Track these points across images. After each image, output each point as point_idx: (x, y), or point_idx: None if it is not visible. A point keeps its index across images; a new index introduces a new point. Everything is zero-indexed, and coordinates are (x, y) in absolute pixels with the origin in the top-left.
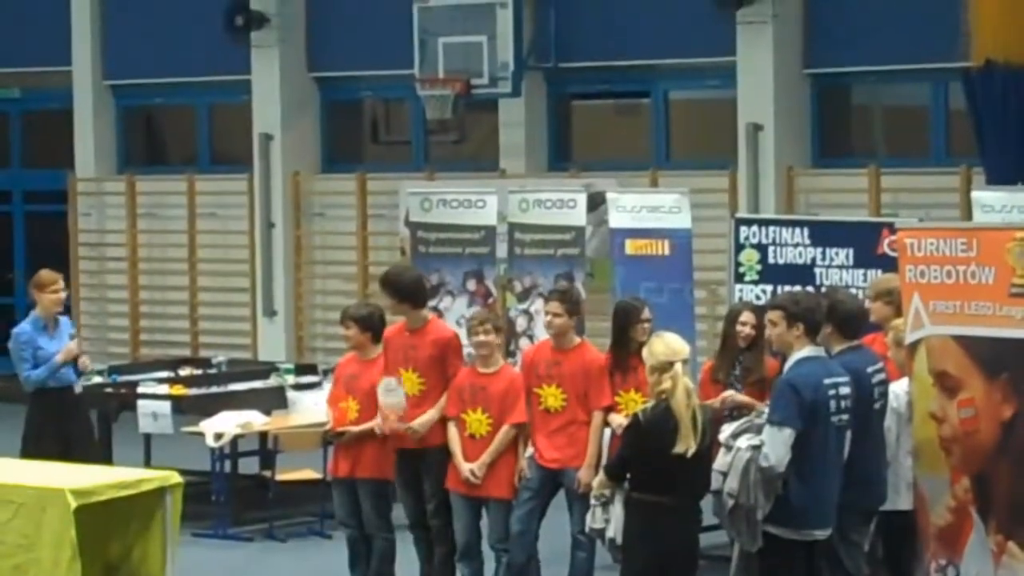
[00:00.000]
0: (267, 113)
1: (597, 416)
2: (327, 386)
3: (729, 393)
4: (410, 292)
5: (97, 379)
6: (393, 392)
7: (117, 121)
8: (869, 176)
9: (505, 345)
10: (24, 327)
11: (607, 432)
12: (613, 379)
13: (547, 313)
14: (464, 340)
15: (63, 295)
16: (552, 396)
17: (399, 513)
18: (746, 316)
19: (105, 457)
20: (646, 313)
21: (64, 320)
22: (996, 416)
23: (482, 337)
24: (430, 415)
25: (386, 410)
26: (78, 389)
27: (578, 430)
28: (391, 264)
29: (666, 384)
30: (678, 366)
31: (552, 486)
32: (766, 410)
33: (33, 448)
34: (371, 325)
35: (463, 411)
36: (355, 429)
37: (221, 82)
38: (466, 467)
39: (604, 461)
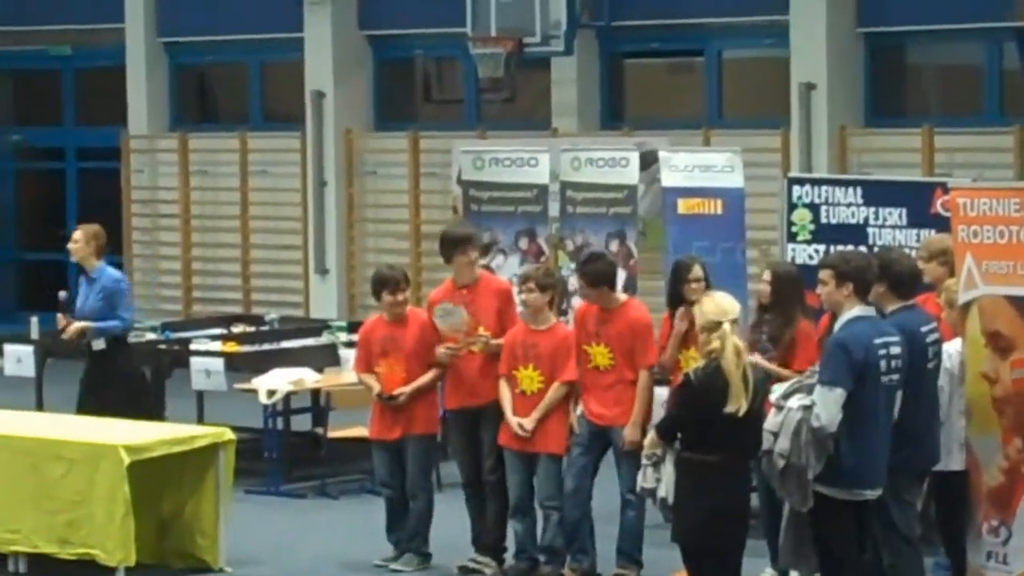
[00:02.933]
0: (319, 71)
1: (643, 375)
2: None
3: (754, 359)
4: (479, 245)
5: (150, 336)
6: (451, 313)
7: (170, 78)
8: (922, 136)
9: (558, 303)
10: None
11: (660, 391)
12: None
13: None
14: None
15: (70, 245)
16: (600, 354)
17: (450, 472)
18: (766, 274)
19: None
20: (695, 272)
21: (104, 274)
22: None
23: (524, 296)
24: (497, 342)
25: (448, 332)
26: (96, 346)
27: (625, 388)
28: (443, 222)
29: (715, 344)
30: (726, 326)
31: (602, 443)
32: (816, 370)
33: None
34: (409, 283)
35: (514, 368)
36: (408, 389)
37: (273, 40)
38: (515, 420)
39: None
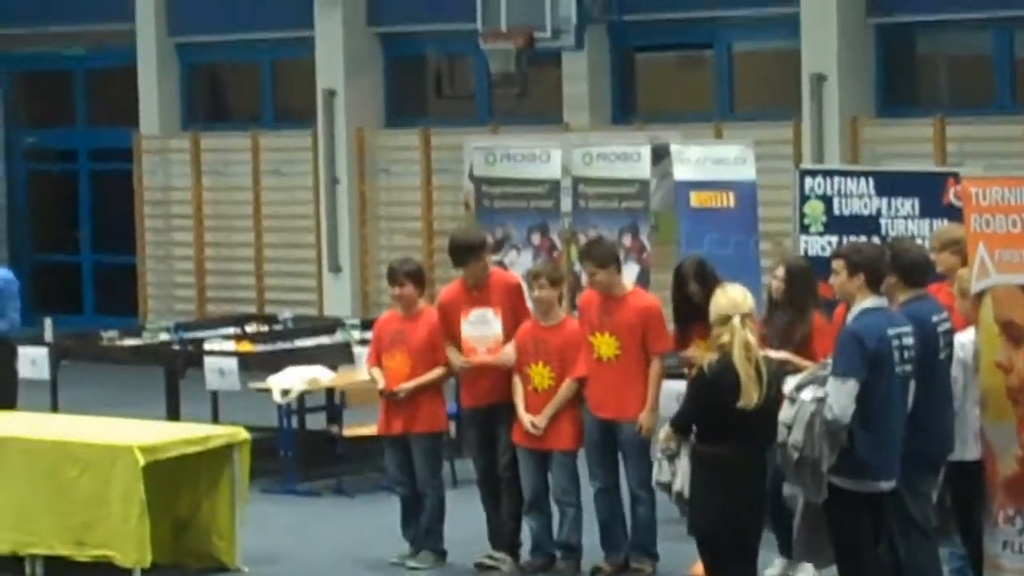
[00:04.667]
0: (330, 69)
1: (656, 362)
2: None
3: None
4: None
5: (164, 336)
6: (487, 324)
7: (181, 78)
8: (934, 126)
9: (570, 298)
10: None
11: (672, 384)
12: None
13: (587, 274)
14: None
15: None
16: (606, 344)
17: (463, 468)
18: (779, 270)
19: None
20: (691, 285)
21: None
22: None
23: (537, 292)
24: (510, 348)
25: (473, 343)
26: None
27: (631, 381)
28: (455, 219)
29: (725, 338)
30: (736, 320)
31: (611, 438)
32: (830, 362)
33: None
34: (423, 280)
35: (526, 364)
36: (409, 385)
37: (284, 38)
38: (527, 418)
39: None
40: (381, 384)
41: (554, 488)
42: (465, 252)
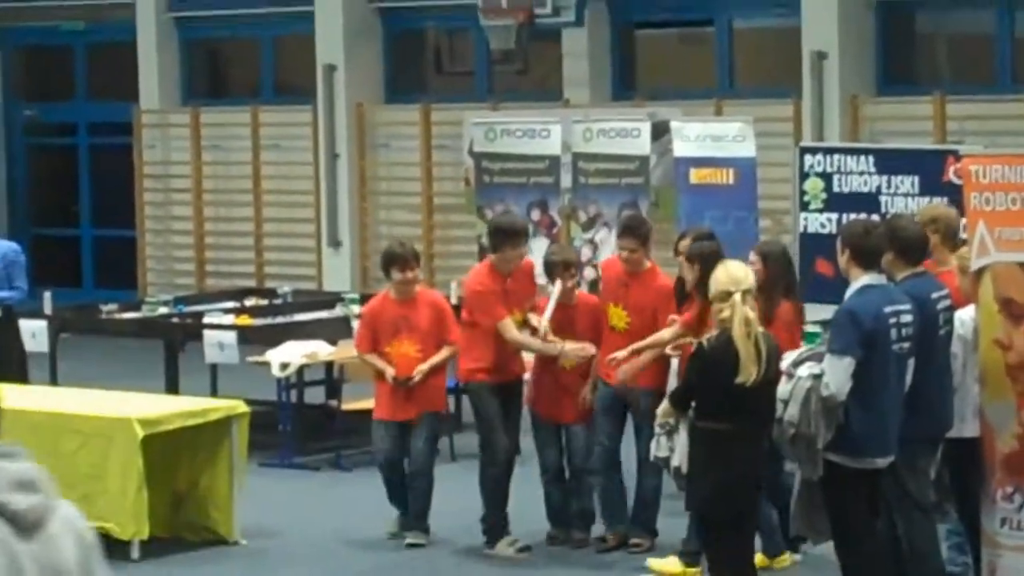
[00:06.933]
0: (330, 44)
1: (667, 330)
2: None
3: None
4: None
5: (163, 309)
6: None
7: (181, 53)
8: (934, 104)
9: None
10: None
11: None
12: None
13: (621, 249)
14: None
15: None
16: (617, 316)
17: (466, 443)
18: (752, 256)
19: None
20: (683, 244)
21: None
22: None
23: (571, 283)
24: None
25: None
26: None
27: (639, 352)
28: (455, 194)
29: (726, 313)
30: (737, 296)
31: (622, 405)
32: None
33: None
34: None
35: None
36: (425, 367)
37: (284, 13)
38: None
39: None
40: (391, 372)
41: (570, 459)
42: (508, 234)
